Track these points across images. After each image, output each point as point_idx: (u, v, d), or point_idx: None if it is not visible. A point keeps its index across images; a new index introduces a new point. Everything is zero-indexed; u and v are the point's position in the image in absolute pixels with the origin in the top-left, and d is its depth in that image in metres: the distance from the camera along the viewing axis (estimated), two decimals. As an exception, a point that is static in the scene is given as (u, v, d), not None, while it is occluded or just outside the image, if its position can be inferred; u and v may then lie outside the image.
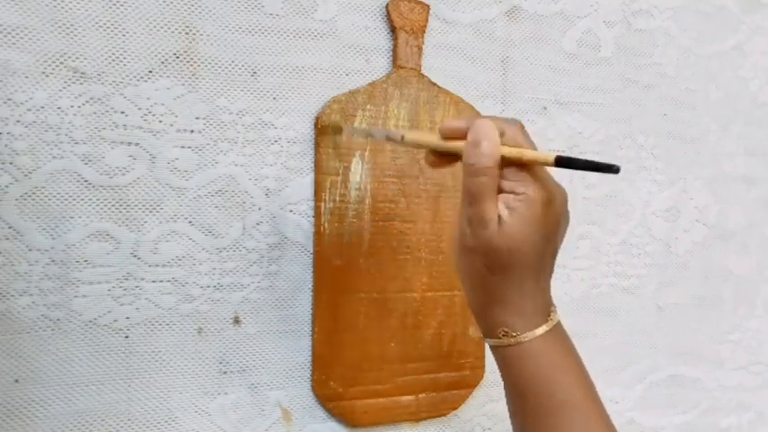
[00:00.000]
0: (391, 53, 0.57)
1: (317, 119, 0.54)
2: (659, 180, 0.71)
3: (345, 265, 0.55)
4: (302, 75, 0.54)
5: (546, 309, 0.42)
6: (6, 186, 0.46)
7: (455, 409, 0.61)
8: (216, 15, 0.51)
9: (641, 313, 0.71)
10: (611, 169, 0.38)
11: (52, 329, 0.48)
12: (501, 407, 0.64)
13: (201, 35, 0.51)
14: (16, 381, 0.47)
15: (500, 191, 0.40)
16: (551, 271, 0.43)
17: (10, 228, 0.46)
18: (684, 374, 0.74)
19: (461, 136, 0.41)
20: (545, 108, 0.64)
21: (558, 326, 0.42)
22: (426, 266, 0.58)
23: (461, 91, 0.60)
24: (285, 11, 0.53)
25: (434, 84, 0.58)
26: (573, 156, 0.39)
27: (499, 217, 0.39)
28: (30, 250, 0.47)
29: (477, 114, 0.60)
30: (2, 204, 0.46)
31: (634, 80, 0.69)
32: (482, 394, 0.63)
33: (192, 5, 0.50)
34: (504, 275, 0.40)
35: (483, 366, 0.61)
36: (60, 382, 0.48)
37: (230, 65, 0.52)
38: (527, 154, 0.39)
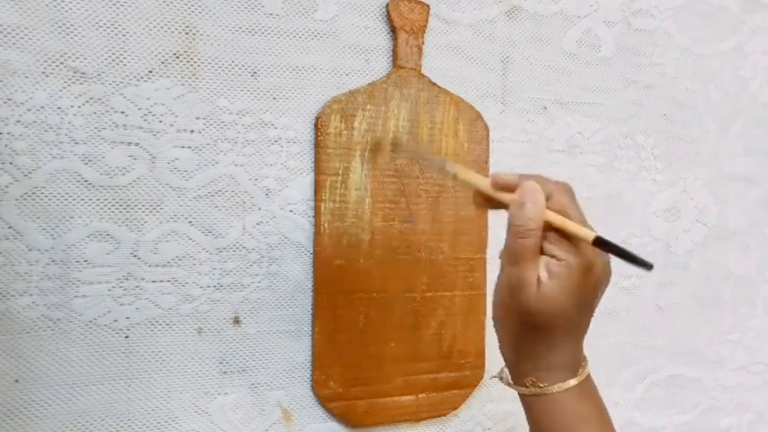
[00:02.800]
0: (391, 53, 0.57)
1: (317, 119, 0.54)
2: (659, 180, 0.71)
3: (345, 265, 0.55)
4: (302, 75, 0.54)
5: (576, 363, 0.42)
6: (6, 186, 0.46)
7: (455, 409, 0.61)
8: (216, 15, 0.51)
9: (641, 313, 0.71)
10: (645, 265, 0.39)
11: (52, 329, 0.48)
12: (501, 407, 0.64)
13: (201, 35, 0.51)
14: (16, 381, 0.47)
15: (542, 252, 0.40)
16: (586, 329, 0.43)
17: (10, 228, 0.46)
18: (684, 374, 0.74)
19: (510, 190, 0.41)
20: (545, 108, 0.64)
21: (588, 379, 0.43)
22: (426, 266, 0.58)
23: (461, 91, 0.60)
24: (285, 11, 0.53)
25: (434, 84, 0.58)
26: (611, 240, 0.40)
27: (539, 280, 0.40)
28: (30, 250, 0.47)
29: (478, 114, 0.60)
30: (2, 204, 0.46)
31: (634, 80, 0.69)
32: (482, 394, 0.63)
33: (192, 5, 0.50)
34: (539, 335, 0.41)
35: (483, 366, 0.61)
36: (60, 382, 0.48)
37: (230, 65, 0.52)
38: (569, 226, 0.40)
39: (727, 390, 0.77)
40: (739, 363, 0.78)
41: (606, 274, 0.42)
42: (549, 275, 0.40)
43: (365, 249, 0.56)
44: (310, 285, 0.55)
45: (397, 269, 0.57)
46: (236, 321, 0.53)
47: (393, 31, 0.57)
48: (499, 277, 0.42)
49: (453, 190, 0.59)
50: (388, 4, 0.56)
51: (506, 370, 0.45)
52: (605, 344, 0.69)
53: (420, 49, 0.57)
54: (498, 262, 0.43)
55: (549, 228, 0.40)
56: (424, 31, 0.57)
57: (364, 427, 0.57)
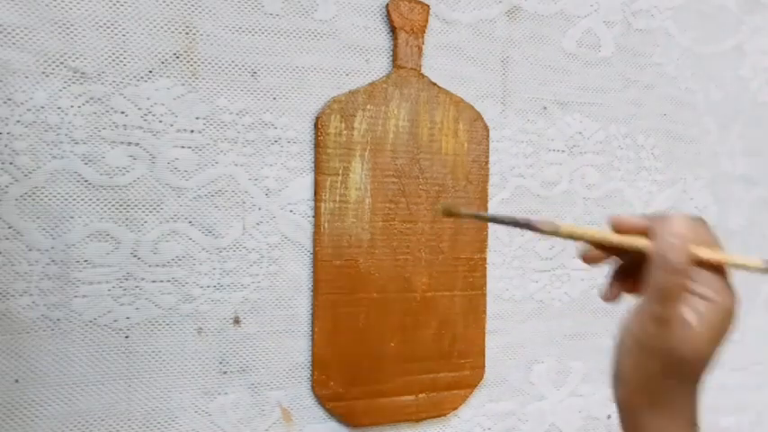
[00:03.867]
0: (391, 53, 0.57)
1: (317, 119, 0.54)
2: (659, 180, 0.71)
3: (345, 265, 0.55)
4: (302, 75, 0.54)
5: (696, 420, 0.40)
6: (6, 186, 0.46)
7: (455, 409, 0.61)
8: (216, 15, 0.51)
9: (641, 313, 0.71)
10: None
11: (52, 329, 0.48)
12: (501, 407, 0.64)
13: (201, 35, 0.51)
14: (16, 381, 0.47)
15: (687, 291, 0.38)
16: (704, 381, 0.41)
17: (10, 228, 0.46)
18: (684, 374, 0.74)
19: (641, 231, 0.39)
20: (545, 108, 0.64)
21: None
22: (426, 266, 0.58)
23: (461, 91, 0.60)
24: (285, 11, 0.53)
25: (434, 84, 0.58)
26: None
27: (686, 320, 0.37)
28: (30, 250, 0.47)
29: (478, 115, 0.60)
30: (2, 204, 0.46)
31: (634, 80, 0.69)
32: (482, 394, 0.63)
33: (192, 5, 0.50)
34: (678, 380, 0.38)
35: (483, 366, 0.61)
36: (60, 382, 0.48)
37: (230, 65, 0.52)
38: (734, 259, 0.38)
39: (727, 390, 0.77)
40: (739, 363, 0.78)
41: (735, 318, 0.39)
42: (698, 317, 0.37)
43: (365, 249, 0.56)
44: (310, 285, 0.55)
45: (397, 269, 0.57)
46: (236, 321, 0.53)
47: (393, 31, 0.57)
48: (639, 316, 0.39)
49: (453, 190, 0.59)
50: (388, 4, 0.56)
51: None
52: (605, 344, 0.69)
53: (420, 49, 0.57)
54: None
55: (695, 263, 0.38)
56: (424, 31, 0.57)
57: (364, 427, 0.57)
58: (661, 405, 0.39)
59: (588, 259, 0.41)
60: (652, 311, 0.37)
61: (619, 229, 0.40)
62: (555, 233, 0.39)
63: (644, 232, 0.38)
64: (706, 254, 0.38)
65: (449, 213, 0.44)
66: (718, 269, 0.38)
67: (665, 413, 0.39)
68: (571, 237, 0.40)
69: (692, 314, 0.37)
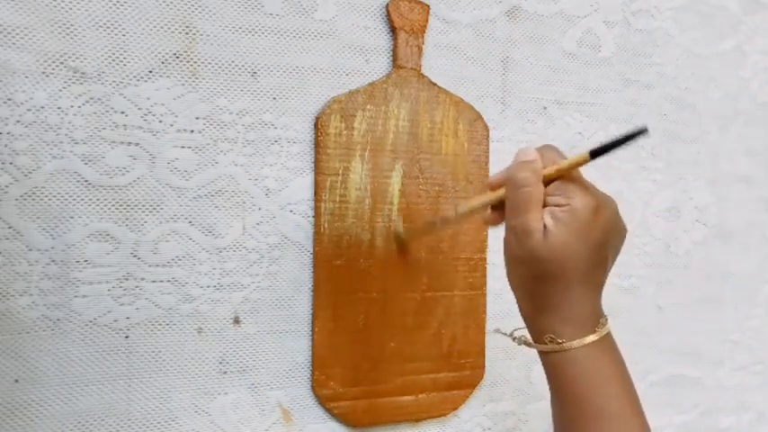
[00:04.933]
0: (391, 53, 0.57)
1: (317, 119, 0.54)
2: (659, 180, 0.71)
3: (345, 265, 0.55)
4: (302, 75, 0.54)
5: (595, 318, 0.42)
6: (6, 186, 0.46)
7: (455, 409, 0.61)
8: (216, 15, 0.51)
9: (641, 313, 0.71)
10: (641, 133, 0.40)
11: (52, 329, 0.48)
12: (501, 407, 0.64)
13: (201, 35, 0.51)
14: (16, 381, 0.47)
15: (546, 205, 0.41)
16: (602, 281, 0.43)
17: (10, 228, 0.46)
18: (684, 374, 0.74)
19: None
20: (545, 108, 0.64)
21: (608, 337, 0.43)
22: (426, 266, 0.58)
23: (461, 91, 0.60)
24: (285, 11, 0.53)
25: (434, 84, 0.58)
26: (602, 143, 0.41)
27: (545, 227, 0.40)
28: (30, 250, 0.47)
29: (478, 115, 0.60)
30: (2, 204, 0.46)
31: (634, 80, 0.69)
32: (482, 394, 0.63)
33: (192, 5, 0.50)
34: (551, 284, 0.41)
35: (483, 366, 0.61)
36: (60, 382, 0.48)
37: (230, 65, 0.52)
38: (564, 163, 0.41)
39: (727, 390, 0.77)
40: (739, 363, 0.78)
41: (617, 221, 0.42)
42: (554, 222, 0.40)
43: (365, 249, 0.56)
44: (310, 285, 0.55)
45: (397, 269, 0.57)
46: (236, 321, 0.53)
47: (393, 31, 0.57)
48: (505, 233, 0.43)
49: (453, 190, 0.59)
50: (388, 4, 0.56)
51: (520, 332, 0.45)
52: (605, 344, 0.69)
53: (420, 49, 0.57)
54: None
55: (548, 181, 0.41)
56: (424, 31, 0.57)
57: (364, 427, 0.57)
58: (544, 308, 0.42)
59: (490, 222, 0.46)
60: (511, 226, 0.42)
61: (491, 185, 0.45)
62: (457, 216, 0.47)
63: None
64: (549, 170, 0.42)
65: (398, 240, 0.55)
66: (569, 179, 0.42)
67: (550, 314, 0.42)
68: (469, 212, 0.48)
69: (550, 220, 0.40)
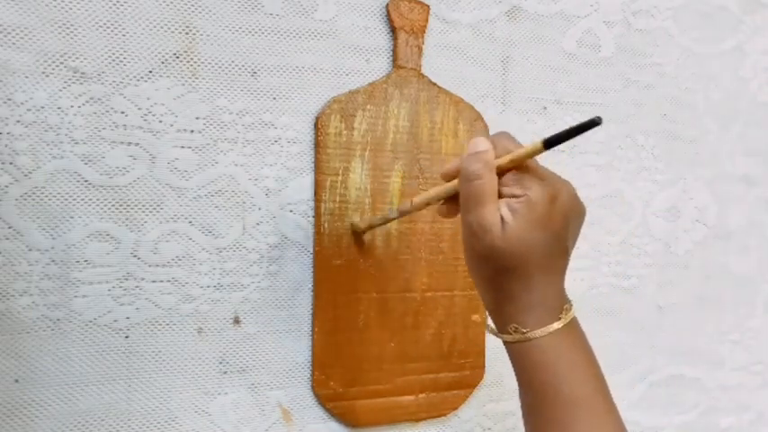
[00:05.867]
0: (391, 53, 0.57)
1: (317, 119, 0.54)
2: (659, 180, 0.71)
3: (345, 265, 0.55)
4: (302, 75, 0.54)
5: (558, 306, 0.42)
6: (6, 186, 0.46)
7: (455, 409, 0.61)
8: (216, 15, 0.51)
9: (641, 313, 0.71)
10: (594, 123, 0.37)
11: (52, 329, 0.48)
12: (501, 407, 0.64)
13: (201, 35, 0.51)
14: (16, 381, 0.47)
15: (501, 196, 0.40)
16: (564, 267, 0.43)
17: (10, 228, 0.46)
18: (684, 374, 0.74)
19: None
20: (545, 108, 0.64)
21: (572, 323, 0.42)
22: (426, 266, 0.58)
23: (461, 91, 0.60)
24: (285, 11, 0.53)
25: (434, 84, 0.58)
26: (556, 132, 0.39)
27: (502, 220, 0.39)
28: (30, 250, 0.47)
29: (478, 115, 0.60)
30: (2, 204, 0.46)
31: (634, 80, 0.69)
32: (482, 394, 0.63)
33: (192, 5, 0.50)
34: (512, 276, 0.40)
35: (483, 366, 0.61)
36: (60, 382, 0.48)
37: (230, 65, 0.52)
38: (517, 152, 0.40)
39: (727, 390, 0.77)
40: (739, 363, 0.78)
41: (574, 205, 0.41)
42: (511, 214, 0.39)
43: (365, 249, 0.56)
44: (310, 285, 0.55)
45: (397, 269, 0.57)
46: (236, 321, 0.53)
47: (393, 31, 0.57)
48: (461, 228, 0.42)
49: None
50: (388, 4, 0.56)
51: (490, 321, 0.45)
52: (605, 343, 0.69)
53: (420, 49, 0.57)
54: None
55: (502, 172, 0.40)
56: (424, 31, 0.57)
57: (364, 427, 0.57)
58: (507, 298, 0.41)
59: (443, 214, 0.45)
60: (467, 221, 0.40)
61: (445, 177, 0.43)
62: (412, 207, 0.46)
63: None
64: (502, 160, 0.40)
65: (356, 230, 0.54)
66: (522, 168, 0.40)
67: (512, 304, 0.41)
68: (424, 204, 0.47)
69: (507, 212, 0.39)
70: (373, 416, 0.57)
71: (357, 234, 0.55)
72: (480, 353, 0.61)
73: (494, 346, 0.63)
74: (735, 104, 0.75)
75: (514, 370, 0.43)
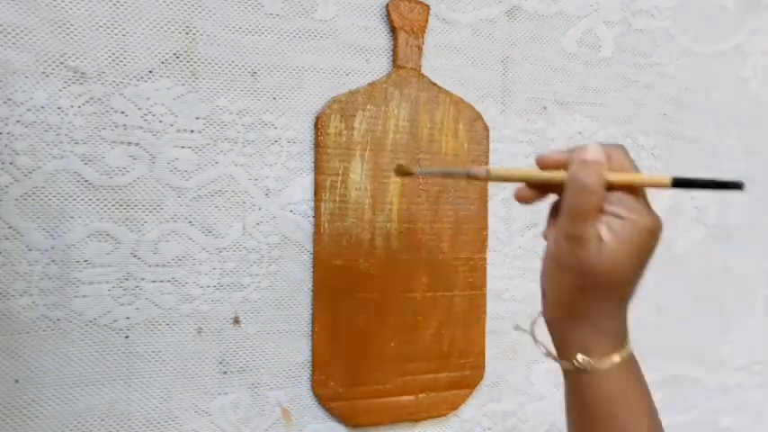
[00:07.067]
0: (391, 53, 0.57)
1: (317, 119, 0.54)
2: (659, 180, 0.71)
3: (345, 265, 0.55)
4: (302, 75, 0.54)
5: (624, 336, 0.42)
6: (6, 186, 0.46)
7: (455, 409, 0.61)
8: (216, 15, 0.51)
9: (641, 313, 0.71)
10: (736, 186, 0.37)
11: (52, 329, 0.48)
12: (501, 407, 0.64)
13: (201, 35, 0.51)
14: (16, 381, 0.47)
15: (602, 212, 0.39)
16: (633, 298, 0.42)
17: (10, 228, 0.46)
18: (684, 374, 0.74)
19: (562, 166, 0.40)
20: (545, 108, 0.64)
21: (633, 357, 0.42)
22: (426, 266, 0.58)
23: (461, 91, 0.60)
24: (285, 11, 0.53)
25: (434, 84, 0.58)
26: (690, 177, 0.39)
27: (600, 238, 0.38)
28: (30, 250, 0.47)
29: (478, 115, 0.60)
30: (2, 204, 0.46)
31: (634, 80, 0.69)
32: (482, 394, 0.63)
33: (192, 5, 0.50)
34: (596, 296, 0.40)
35: (483, 366, 0.61)
36: (60, 382, 0.48)
37: (230, 65, 0.52)
38: (641, 177, 0.39)
39: (727, 390, 0.77)
40: (739, 363, 0.78)
41: (661, 233, 0.40)
42: (612, 235, 0.38)
43: (365, 249, 0.56)
44: (310, 285, 0.55)
45: (397, 269, 0.57)
46: (236, 321, 0.53)
47: (393, 31, 0.57)
48: (554, 235, 0.40)
49: (453, 190, 0.59)
50: (388, 4, 0.56)
51: (545, 342, 0.43)
52: (605, 344, 0.69)
53: (420, 49, 0.57)
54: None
55: (609, 188, 0.39)
56: (424, 31, 0.57)
57: (364, 427, 0.57)
58: (581, 318, 0.41)
59: (521, 198, 0.43)
60: (566, 230, 0.39)
61: (543, 165, 0.41)
62: (486, 177, 0.43)
63: (565, 165, 0.40)
64: (616, 176, 0.39)
65: (402, 173, 0.48)
66: (634, 191, 0.39)
67: (585, 326, 0.40)
68: (502, 178, 0.44)
69: (607, 232, 0.38)
70: (373, 416, 0.57)
71: (403, 174, 0.48)
72: (480, 353, 0.61)
73: (494, 346, 0.63)
74: (735, 104, 0.75)
75: (571, 396, 0.42)
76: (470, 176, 0.43)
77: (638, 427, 0.40)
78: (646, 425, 0.41)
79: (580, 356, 0.40)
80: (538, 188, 0.42)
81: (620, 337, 0.41)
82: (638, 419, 0.40)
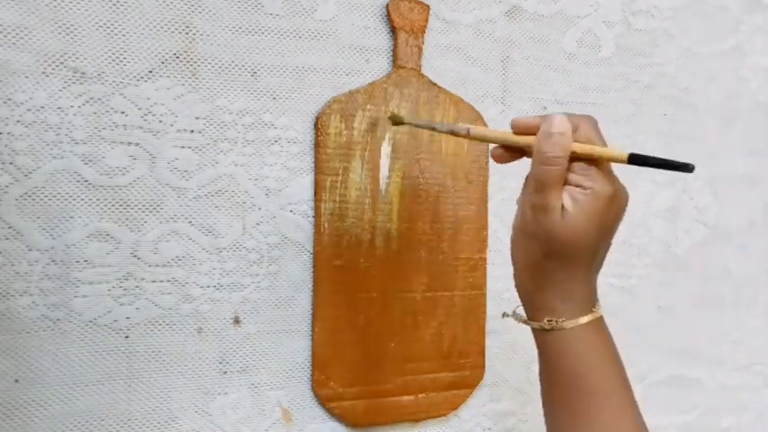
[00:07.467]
0: (391, 53, 0.57)
1: (317, 119, 0.54)
2: (659, 180, 0.71)
3: (345, 265, 0.55)
4: (302, 75, 0.54)
5: (591, 300, 0.43)
6: (6, 186, 0.46)
7: (455, 409, 0.61)
8: (216, 15, 0.51)
9: (641, 313, 0.71)
10: (686, 168, 0.39)
11: (52, 329, 0.48)
12: (501, 407, 0.64)
13: (201, 35, 0.51)
14: (16, 381, 0.47)
15: (566, 183, 0.41)
16: (600, 266, 0.44)
17: (10, 228, 0.46)
18: (684, 374, 0.74)
19: (533, 132, 0.42)
20: (545, 108, 0.64)
21: (601, 320, 0.43)
22: (426, 266, 0.58)
23: (461, 91, 0.60)
24: (285, 11, 0.53)
25: (434, 84, 0.58)
26: (646, 154, 0.40)
27: (562, 207, 0.40)
28: (30, 250, 0.47)
29: (478, 114, 0.60)
30: (2, 204, 0.46)
31: (634, 80, 0.69)
32: (482, 394, 0.63)
33: (192, 5, 0.50)
34: (560, 263, 0.41)
35: (483, 366, 0.61)
36: (60, 382, 0.48)
37: (230, 65, 0.52)
38: (599, 150, 0.41)
39: (727, 390, 0.77)
40: (739, 363, 0.78)
41: (626, 203, 0.43)
42: (573, 203, 0.40)
43: (365, 249, 0.56)
44: (310, 285, 0.55)
45: (397, 269, 0.57)
46: (236, 321, 0.53)
47: (393, 31, 0.57)
48: (520, 204, 0.43)
49: (453, 190, 0.59)
50: (388, 4, 0.56)
51: (518, 309, 0.45)
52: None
53: (420, 49, 0.57)
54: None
55: (574, 158, 0.41)
56: (424, 31, 0.57)
57: (364, 427, 0.57)
58: (547, 284, 0.42)
59: (495, 157, 0.46)
60: (531, 200, 0.41)
61: (516, 129, 0.43)
62: (467, 136, 0.46)
63: (536, 131, 0.42)
64: (578, 147, 0.40)
65: (396, 122, 0.53)
66: (597, 161, 0.41)
67: (552, 291, 0.42)
68: (479, 138, 0.47)
69: (569, 201, 0.40)
70: (373, 416, 0.57)
71: (396, 122, 0.54)
72: (480, 353, 0.61)
73: (494, 346, 0.63)
74: (735, 104, 0.75)
75: (541, 358, 0.44)
76: (453, 132, 0.47)
77: (603, 388, 0.41)
78: (611, 386, 0.42)
79: (546, 319, 0.42)
80: (512, 150, 0.44)
81: (587, 302, 0.43)
82: (604, 380, 0.42)
